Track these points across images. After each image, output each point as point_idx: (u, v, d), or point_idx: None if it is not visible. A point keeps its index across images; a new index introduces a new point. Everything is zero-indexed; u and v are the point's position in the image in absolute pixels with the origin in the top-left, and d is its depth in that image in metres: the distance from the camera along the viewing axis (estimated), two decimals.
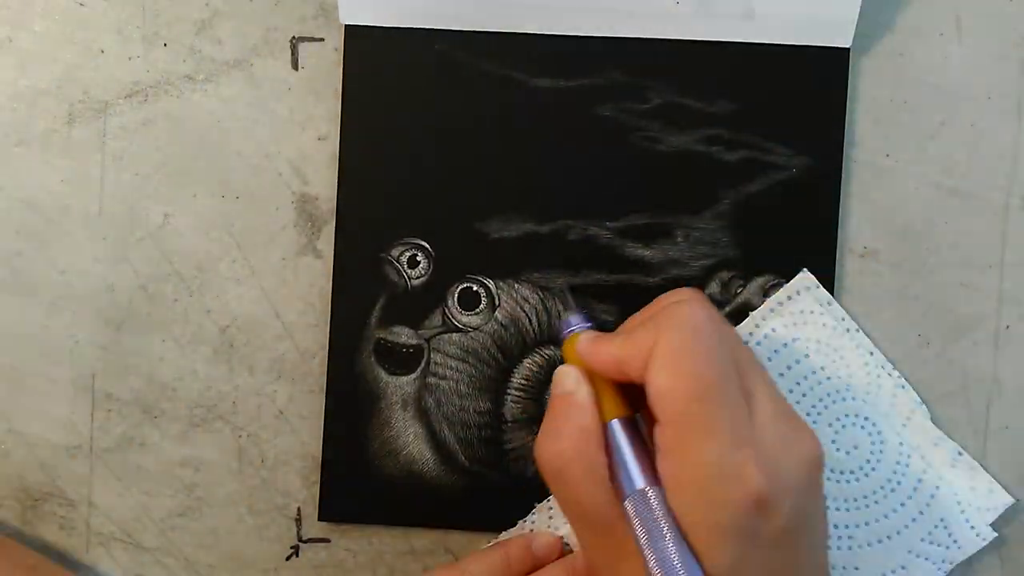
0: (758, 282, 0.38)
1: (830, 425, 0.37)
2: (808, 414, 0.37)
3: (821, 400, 0.37)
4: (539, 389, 0.39)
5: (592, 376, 0.33)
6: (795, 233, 0.38)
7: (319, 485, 0.39)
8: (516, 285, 0.39)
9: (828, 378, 0.37)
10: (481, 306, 0.39)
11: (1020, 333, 0.39)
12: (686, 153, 0.38)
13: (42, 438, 0.40)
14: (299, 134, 0.39)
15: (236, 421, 0.39)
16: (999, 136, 0.39)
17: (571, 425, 0.31)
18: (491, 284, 0.39)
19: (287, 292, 0.39)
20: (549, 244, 0.38)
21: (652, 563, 0.28)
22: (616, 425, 0.31)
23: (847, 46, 0.38)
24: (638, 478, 0.30)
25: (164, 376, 0.39)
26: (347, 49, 0.39)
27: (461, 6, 0.38)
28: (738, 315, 0.38)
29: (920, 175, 0.39)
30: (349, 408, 0.39)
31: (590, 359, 0.33)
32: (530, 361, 0.39)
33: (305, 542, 0.39)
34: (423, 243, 0.39)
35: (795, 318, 0.38)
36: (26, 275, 0.40)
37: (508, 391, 0.39)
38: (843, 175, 0.39)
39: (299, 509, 0.39)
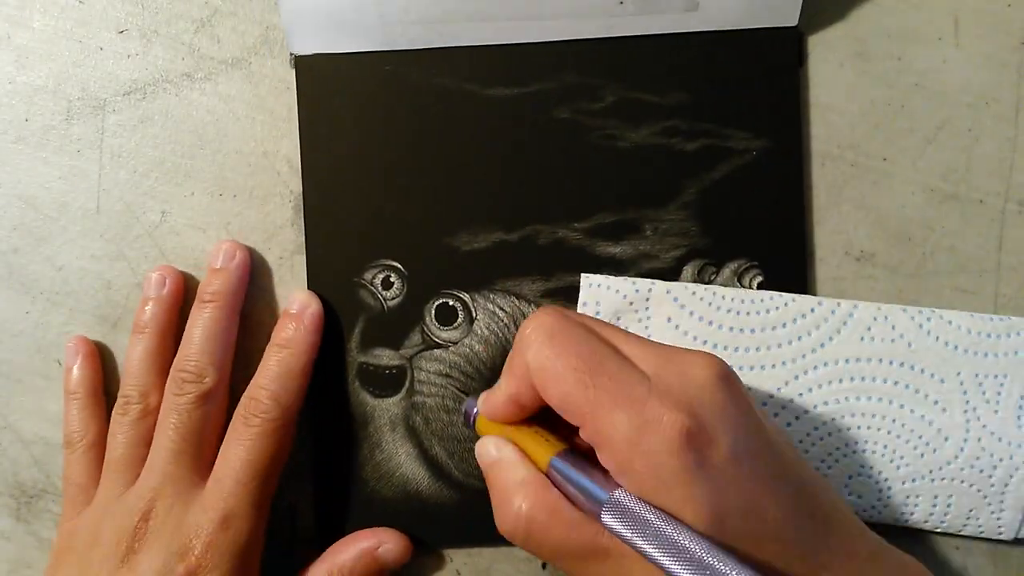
0: (731, 267, 0.38)
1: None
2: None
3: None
4: None
5: (514, 434, 0.33)
6: (763, 215, 0.38)
7: (315, 514, 0.39)
8: (491, 295, 0.39)
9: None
10: (459, 320, 0.39)
11: None
12: (646, 147, 0.38)
13: (37, 435, 0.40)
14: (297, 133, 0.39)
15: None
16: (996, 141, 0.39)
17: (511, 486, 0.31)
18: (466, 297, 0.39)
19: (284, 291, 0.39)
20: (520, 251, 0.38)
21: (653, 554, 0.28)
22: (556, 461, 0.31)
23: (794, 24, 0.38)
24: (599, 491, 0.29)
25: None
26: (299, 79, 0.39)
27: (407, 25, 0.38)
28: None
29: (917, 179, 0.39)
30: (337, 435, 0.39)
31: (493, 413, 0.33)
32: None
33: (302, 540, 0.39)
34: (395, 263, 0.39)
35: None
36: (23, 272, 0.40)
37: None
38: (841, 179, 0.39)
39: (295, 507, 0.39)
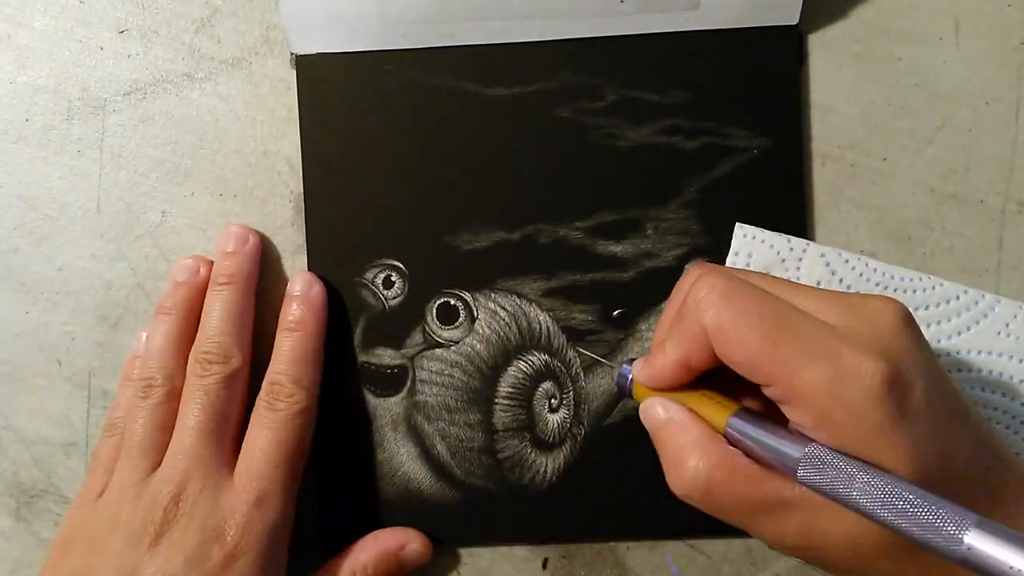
0: None
1: None
2: None
3: None
4: (526, 396, 0.39)
5: (681, 398, 0.32)
6: (764, 213, 0.38)
7: (317, 514, 0.39)
8: (492, 294, 0.39)
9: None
10: (460, 319, 0.39)
11: None
12: (647, 146, 0.38)
13: (38, 434, 0.40)
14: (297, 133, 0.39)
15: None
16: (996, 141, 0.39)
17: (685, 447, 0.31)
18: (467, 296, 0.39)
19: (284, 291, 0.39)
20: (521, 250, 0.38)
21: (863, 504, 0.27)
22: (735, 421, 0.31)
23: (794, 23, 0.38)
24: (791, 447, 0.29)
25: None
26: (300, 79, 0.39)
27: (407, 25, 0.38)
28: None
29: (917, 179, 0.39)
30: (339, 435, 0.39)
31: (659, 378, 0.33)
32: (514, 368, 0.39)
33: (302, 540, 0.39)
34: (396, 263, 0.39)
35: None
36: (23, 272, 0.40)
37: (496, 400, 0.39)
38: (841, 179, 0.39)
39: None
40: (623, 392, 0.35)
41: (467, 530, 0.39)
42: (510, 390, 0.39)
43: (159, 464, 0.35)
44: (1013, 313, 0.38)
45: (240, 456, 0.36)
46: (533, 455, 0.38)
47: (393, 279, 0.39)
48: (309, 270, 0.39)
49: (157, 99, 0.39)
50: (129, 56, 0.39)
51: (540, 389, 0.39)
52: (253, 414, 0.36)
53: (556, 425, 0.38)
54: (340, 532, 0.38)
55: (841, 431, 0.28)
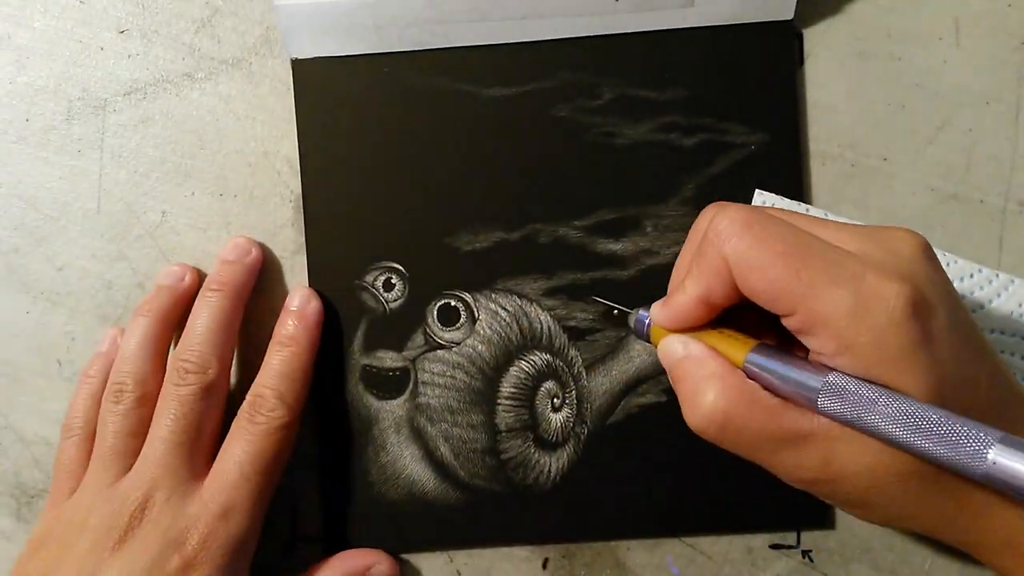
0: None
1: None
2: None
3: None
4: (528, 395, 0.39)
5: (699, 336, 0.32)
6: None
7: (321, 516, 0.39)
8: (493, 295, 0.39)
9: None
10: (461, 320, 0.39)
11: None
12: (645, 144, 0.38)
13: (38, 434, 0.40)
14: (296, 133, 0.39)
15: (229, 404, 0.39)
16: (997, 141, 0.39)
17: (702, 380, 0.31)
18: (468, 297, 0.39)
19: (284, 290, 0.39)
20: (520, 250, 0.38)
21: (887, 429, 0.27)
22: (754, 356, 0.30)
23: (789, 18, 0.38)
24: (812, 379, 0.29)
25: None
26: (297, 83, 0.39)
27: (403, 27, 0.38)
28: None
29: (918, 179, 0.39)
30: (342, 438, 0.39)
31: (679, 317, 0.32)
32: (516, 368, 0.39)
33: (302, 539, 0.39)
34: (396, 265, 0.39)
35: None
36: (24, 271, 0.40)
37: (498, 401, 0.39)
38: (841, 179, 0.39)
39: (296, 508, 0.39)
40: (640, 337, 0.34)
41: (472, 532, 0.39)
42: (512, 390, 0.39)
43: (129, 468, 0.36)
44: None
45: (214, 465, 0.36)
46: (537, 455, 0.38)
47: (393, 281, 0.39)
48: (309, 272, 0.39)
49: (157, 99, 0.39)
50: (129, 56, 0.39)
51: (542, 389, 0.39)
52: (233, 424, 0.36)
53: (559, 425, 0.38)
54: (343, 534, 0.38)
55: (864, 355, 0.28)
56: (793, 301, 0.29)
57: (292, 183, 0.39)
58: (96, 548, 0.34)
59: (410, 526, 0.38)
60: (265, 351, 0.37)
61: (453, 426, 0.39)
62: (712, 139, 0.38)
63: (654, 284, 0.38)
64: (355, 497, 0.39)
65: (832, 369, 0.29)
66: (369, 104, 0.39)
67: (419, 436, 0.39)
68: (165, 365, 0.37)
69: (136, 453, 0.36)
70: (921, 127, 0.39)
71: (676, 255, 0.38)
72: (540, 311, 0.38)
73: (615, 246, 0.38)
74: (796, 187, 0.38)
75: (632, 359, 0.38)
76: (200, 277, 0.39)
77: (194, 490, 0.35)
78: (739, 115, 0.38)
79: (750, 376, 0.30)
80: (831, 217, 0.38)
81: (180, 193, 0.39)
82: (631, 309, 0.35)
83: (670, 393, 0.38)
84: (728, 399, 0.30)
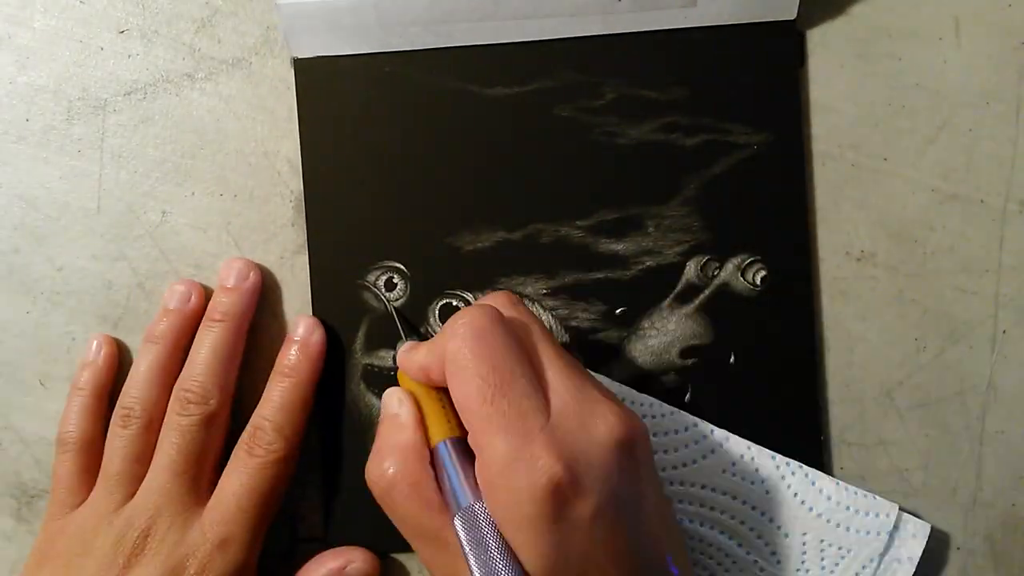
0: (734, 262, 0.38)
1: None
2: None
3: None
4: None
5: (425, 398, 0.33)
6: (765, 209, 0.38)
7: (323, 517, 0.39)
8: None
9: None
10: None
11: (1017, 338, 0.39)
12: (647, 143, 0.38)
13: (38, 435, 0.40)
14: (298, 133, 0.39)
15: (234, 418, 0.39)
16: (997, 141, 0.39)
17: (394, 445, 0.32)
18: (470, 297, 0.39)
19: (284, 291, 0.39)
20: (522, 250, 0.38)
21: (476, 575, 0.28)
22: (443, 446, 0.31)
23: (792, 18, 0.38)
24: (464, 496, 0.30)
25: None
26: (299, 82, 0.39)
27: (406, 27, 0.38)
28: (718, 297, 0.38)
29: (918, 179, 0.39)
30: (344, 438, 0.39)
31: (403, 367, 0.34)
32: None
33: (303, 540, 0.39)
34: (398, 265, 0.39)
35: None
36: (24, 272, 0.40)
37: None
38: (841, 179, 0.39)
39: (297, 511, 0.39)
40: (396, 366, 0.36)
41: None
42: None
43: (133, 494, 0.36)
44: (740, 452, 0.37)
45: (214, 493, 0.36)
46: None
47: (395, 281, 0.39)
48: (311, 274, 0.39)
49: (157, 99, 0.39)
50: (129, 56, 0.39)
51: None
52: (233, 454, 0.37)
53: None
54: (346, 534, 0.38)
55: (498, 508, 0.29)
56: (471, 425, 0.30)
57: (293, 183, 0.39)
58: (102, 572, 0.35)
59: None
60: (256, 369, 0.38)
61: None
62: (714, 139, 0.38)
63: (656, 284, 0.38)
64: (357, 497, 0.39)
65: (482, 499, 0.30)
66: (371, 103, 0.39)
67: None
68: (172, 390, 0.38)
69: (140, 479, 0.36)
70: (921, 127, 0.39)
71: (678, 255, 0.38)
72: (542, 311, 0.38)
73: (617, 246, 0.38)
74: (798, 187, 0.38)
75: (634, 359, 0.38)
76: (205, 293, 0.39)
77: (195, 517, 0.36)
78: (741, 115, 0.38)
79: (433, 460, 0.32)
80: (831, 215, 0.38)
81: (180, 193, 0.39)
82: (408, 338, 0.37)
83: (670, 393, 0.38)
84: (400, 475, 0.31)
